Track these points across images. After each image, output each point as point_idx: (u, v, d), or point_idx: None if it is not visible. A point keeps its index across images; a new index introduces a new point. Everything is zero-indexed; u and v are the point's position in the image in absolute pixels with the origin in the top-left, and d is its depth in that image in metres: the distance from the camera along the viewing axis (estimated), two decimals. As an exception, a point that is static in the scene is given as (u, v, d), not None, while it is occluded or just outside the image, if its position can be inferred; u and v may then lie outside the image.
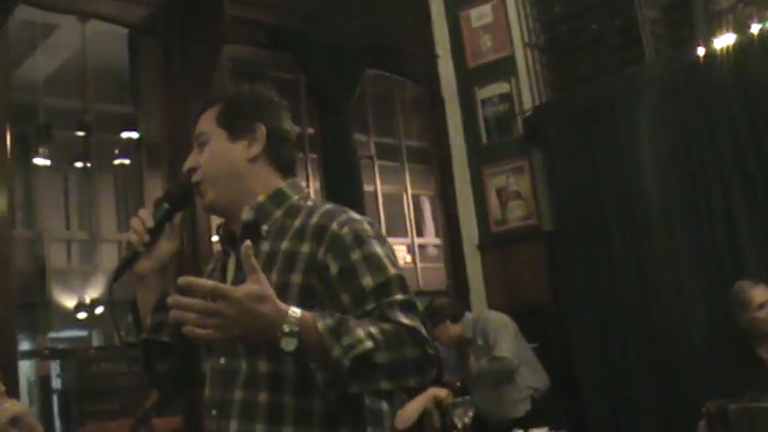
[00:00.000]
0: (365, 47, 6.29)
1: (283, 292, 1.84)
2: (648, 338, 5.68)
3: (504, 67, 6.73)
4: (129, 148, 8.35)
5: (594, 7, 6.41)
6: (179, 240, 2.15)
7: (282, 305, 1.69)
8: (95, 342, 10.62)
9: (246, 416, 1.89)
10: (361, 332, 1.71)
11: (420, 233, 7.14)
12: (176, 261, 2.23)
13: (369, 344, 1.70)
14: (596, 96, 6.08)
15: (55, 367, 9.85)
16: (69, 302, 10.54)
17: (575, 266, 6.07)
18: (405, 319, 1.79)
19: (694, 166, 5.55)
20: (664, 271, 5.63)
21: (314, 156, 6.15)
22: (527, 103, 6.57)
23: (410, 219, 6.92)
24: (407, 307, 1.83)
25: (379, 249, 1.92)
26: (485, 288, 6.67)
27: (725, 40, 5.44)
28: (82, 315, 10.57)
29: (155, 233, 2.07)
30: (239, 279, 1.89)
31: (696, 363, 5.42)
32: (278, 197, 2.06)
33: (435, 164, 7.02)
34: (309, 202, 2.06)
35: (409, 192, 6.95)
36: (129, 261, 2.08)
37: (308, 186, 6.08)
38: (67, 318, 10.51)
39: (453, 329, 5.29)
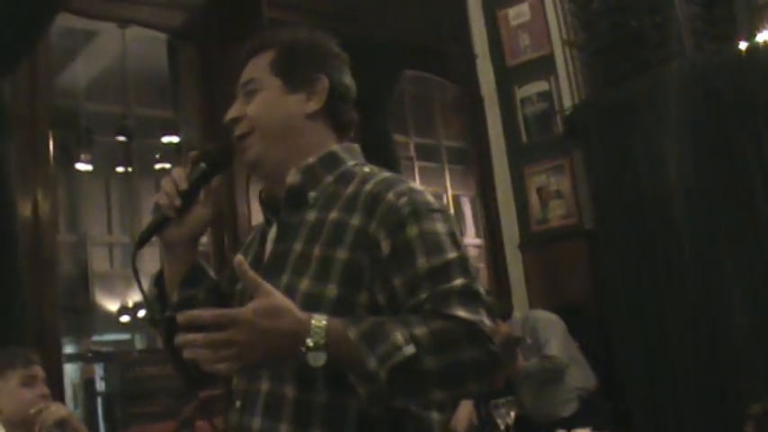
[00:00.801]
0: (403, 48, 6.29)
1: (325, 268, 1.63)
2: (691, 338, 5.63)
3: (543, 66, 6.71)
4: (169, 152, 8.39)
5: (633, 3, 6.37)
6: (215, 207, 1.84)
7: (303, 314, 1.47)
8: (138, 345, 10.68)
9: (271, 412, 1.63)
10: (399, 336, 1.46)
11: (461, 233, 7.13)
12: (212, 231, 1.99)
13: (409, 349, 1.45)
14: (636, 93, 6.04)
15: (99, 370, 9.92)
16: (112, 306, 10.62)
17: (616, 265, 6.03)
18: (462, 312, 1.52)
19: (737, 163, 5.49)
20: (706, 269, 5.58)
21: (353, 157, 6.14)
22: (566, 101, 6.55)
23: (450, 219, 6.91)
24: (467, 295, 1.56)
25: (439, 226, 1.64)
26: (526, 288, 6.65)
27: (767, 34, 5.38)
28: (125, 318, 10.65)
29: (188, 197, 1.77)
30: (275, 255, 1.74)
31: (740, 363, 5.36)
32: (330, 160, 1.79)
33: (475, 164, 7.00)
34: (366, 168, 1.80)
35: (449, 192, 6.93)
36: (156, 227, 1.79)
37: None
38: (110, 321, 10.59)
39: (503, 328, 5.23)
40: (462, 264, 1.61)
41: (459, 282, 1.57)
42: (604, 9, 6.58)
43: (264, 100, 1.79)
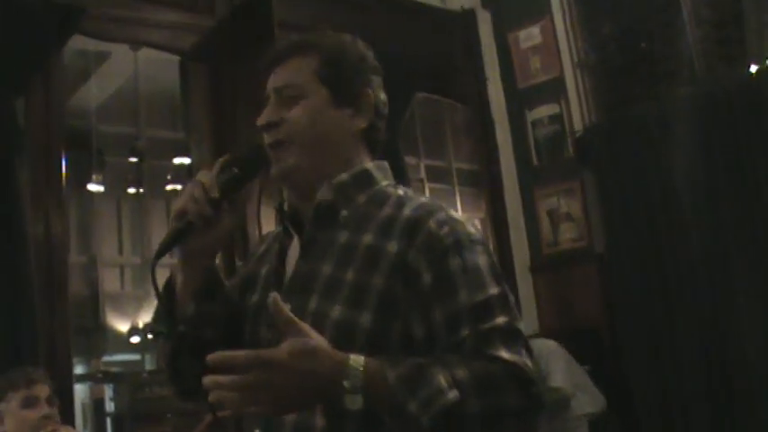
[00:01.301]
0: (414, 70, 6.30)
1: (359, 295, 1.56)
2: (703, 360, 5.60)
3: (554, 88, 6.71)
4: (180, 173, 8.41)
5: (644, 26, 6.37)
6: (240, 216, 1.76)
7: (340, 355, 1.40)
8: (148, 366, 10.69)
9: None
10: (442, 380, 1.39)
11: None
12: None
13: (453, 394, 1.38)
14: (647, 116, 6.04)
15: (108, 391, 9.93)
16: (123, 327, 10.64)
17: (628, 288, 6.01)
18: (505, 354, 1.47)
19: (749, 185, 5.48)
20: (719, 292, 5.56)
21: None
22: (577, 123, 6.54)
23: (461, 241, 6.90)
24: (510, 335, 1.51)
25: (481, 259, 1.58)
26: (537, 310, 6.63)
27: (778, 56, 5.39)
28: (135, 339, 10.67)
29: (219, 205, 1.64)
30: (299, 275, 1.66)
31: (754, 387, 5.33)
32: (363, 179, 1.70)
33: (486, 186, 6.99)
34: (400, 191, 1.71)
35: (460, 214, 6.94)
36: (181, 235, 1.65)
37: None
38: (121, 341, 10.61)
39: None
40: (504, 300, 1.56)
41: (501, 320, 1.52)
42: (615, 32, 6.59)
43: (310, 109, 1.69)
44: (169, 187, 8.91)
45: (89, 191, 9.14)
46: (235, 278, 1.86)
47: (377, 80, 1.78)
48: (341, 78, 1.71)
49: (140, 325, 10.69)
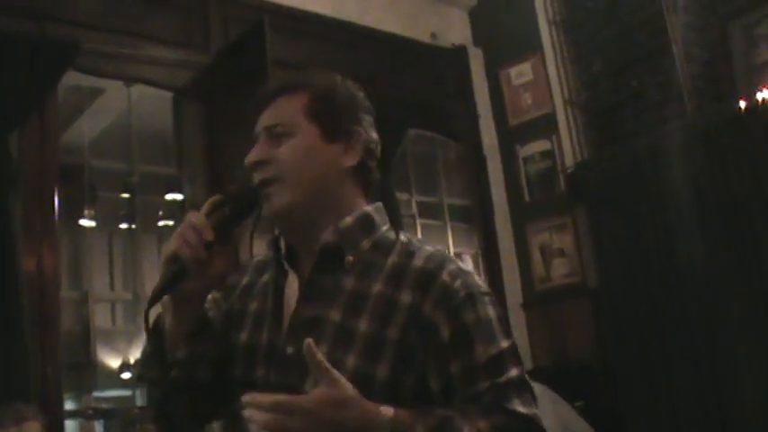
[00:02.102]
0: (406, 107, 6.34)
1: (375, 346, 1.55)
2: (698, 396, 5.59)
3: (546, 125, 6.75)
4: (173, 209, 8.41)
5: (635, 64, 6.42)
6: (233, 257, 1.68)
7: (371, 405, 1.40)
8: (139, 402, 10.63)
9: None
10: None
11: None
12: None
13: None
14: (638, 152, 6.07)
15: (99, 427, 9.86)
16: (114, 362, 10.58)
17: (621, 323, 6.01)
18: (521, 408, 1.52)
19: (741, 221, 5.50)
20: (713, 328, 5.56)
21: (356, 215, 6.15)
22: (569, 160, 6.58)
23: (453, 277, 6.91)
24: (522, 387, 1.56)
25: (491, 311, 1.61)
26: (529, 346, 6.62)
27: (766, 93, 5.42)
28: (126, 375, 10.61)
29: (211, 247, 1.58)
30: (303, 319, 1.63)
31: (749, 423, 5.32)
32: (367, 223, 1.69)
33: (478, 222, 7.01)
34: (403, 238, 1.71)
35: (452, 250, 6.93)
36: (175, 280, 1.57)
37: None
38: (112, 377, 10.54)
39: None
40: (514, 351, 1.60)
41: (514, 373, 1.56)
42: (606, 69, 6.64)
43: (300, 146, 1.67)
44: (161, 223, 8.90)
45: (81, 226, 9.12)
46: (213, 310, 1.79)
47: (368, 119, 1.77)
48: (330, 115, 1.70)
49: (132, 361, 10.64)
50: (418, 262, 1.63)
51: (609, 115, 6.63)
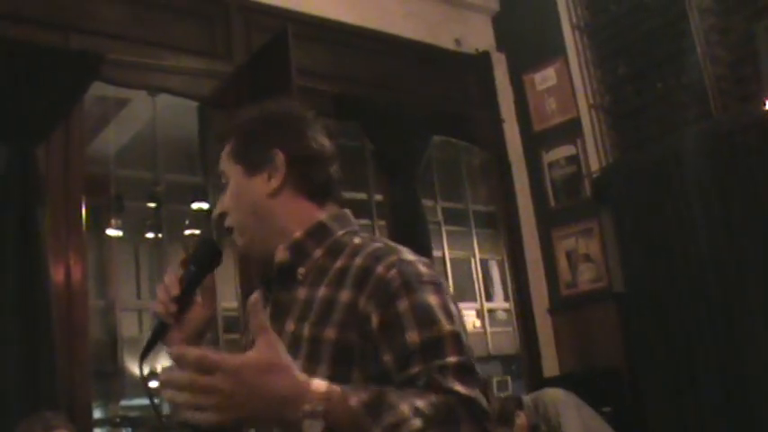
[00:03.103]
0: (431, 113, 6.34)
1: (316, 348, 1.57)
2: (725, 401, 5.55)
3: (570, 130, 6.74)
4: (199, 218, 8.44)
5: (659, 66, 6.39)
6: (213, 304, 1.79)
7: (302, 377, 1.35)
8: (166, 410, 10.70)
9: None
10: (405, 408, 1.37)
11: (489, 298, 7.09)
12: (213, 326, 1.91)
13: (416, 422, 1.36)
14: (664, 155, 6.03)
15: (128, 436, 9.91)
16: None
17: (647, 328, 5.98)
18: (461, 388, 1.45)
19: (766, 224, 5.45)
20: (738, 330, 5.52)
21: (382, 222, 6.16)
22: (594, 164, 6.55)
23: (479, 283, 6.89)
24: (463, 371, 1.49)
25: (432, 298, 1.56)
26: (556, 352, 6.60)
27: (793, 94, 5.39)
28: (153, 383, 10.67)
29: (182, 301, 1.75)
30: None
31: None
32: (319, 232, 1.73)
33: (503, 228, 7.00)
34: (357, 239, 1.72)
35: (477, 256, 6.92)
36: (156, 335, 1.78)
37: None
38: (139, 386, 10.60)
39: (523, 419, 5.02)
40: (456, 338, 1.54)
41: (453, 359, 1.50)
42: (630, 72, 6.61)
43: (232, 190, 1.78)
44: (187, 232, 8.94)
45: (108, 236, 9.17)
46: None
47: (295, 132, 1.80)
48: (247, 150, 1.78)
49: (158, 369, 10.69)
50: (359, 260, 1.63)
51: (633, 118, 6.61)
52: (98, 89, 5.27)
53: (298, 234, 1.72)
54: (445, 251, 6.60)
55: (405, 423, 1.35)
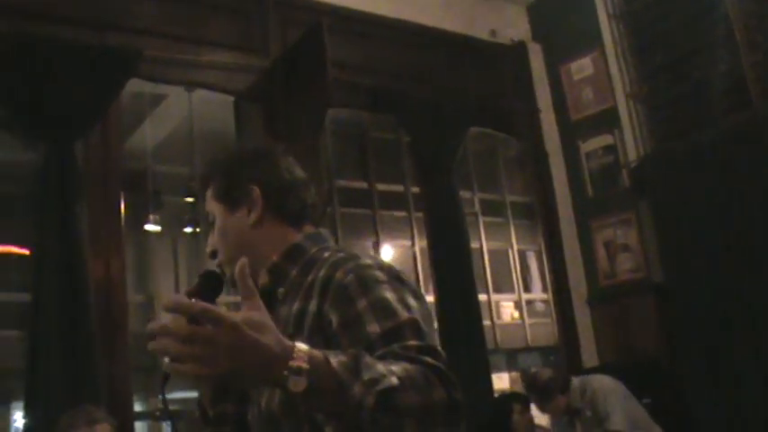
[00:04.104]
0: (467, 105, 6.32)
1: None
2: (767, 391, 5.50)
3: (607, 119, 6.69)
4: (235, 212, 8.53)
5: (696, 55, 6.33)
6: None
7: (287, 339, 1.40)
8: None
9: None
10: (382, 368, 1.40)
11: (527, 289, 7.08)
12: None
13: (393, 380, 1.39)
14: (702, 144, 5.98)
15: (167, 428, 10.00)
16: (180, 364, 10.72)
17: (688, 318, 5.94)
18: (428, 359, 1.49)
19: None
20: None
21: (419, 214, 6.16)
22: (631, 154, 6.51)
23: (516, 274, 6.88)
24: (425, 351, 1.53)
25: (389, 294, 1.63)
26: (595, 343, 6.57)
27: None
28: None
29: None
30: None
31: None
32: (294, 253, 1.86)
33: (541, 219, 6.97)
34: (326, 253, 1.82)
35: (515, 247, 6.91)
36: (168, 377, 1.81)
37: (413, 245, 6.10)
38: (178, 379, 10.68)
39: (563, 401, 5.07)
40: (414, 325, 1.59)
41: (414, 342, 1.54)
42: (667, 61, 6.55)
43: (219, 228, 1.91)
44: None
45: (146, 231, 9.24)
46: None
47: (267, 166, 1.93)
48: (227, 190, 1.91)
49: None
50: (323, 271, 1.73)
51: (671, 107, 6.55)
52: (134, 86, 5.30)
53: (274, 258, 1.86)
54: (483, 242, 6.60)
55: (383, 379, 1.38)
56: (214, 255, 1.92)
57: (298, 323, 1.71)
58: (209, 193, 1.94)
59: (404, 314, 1.59)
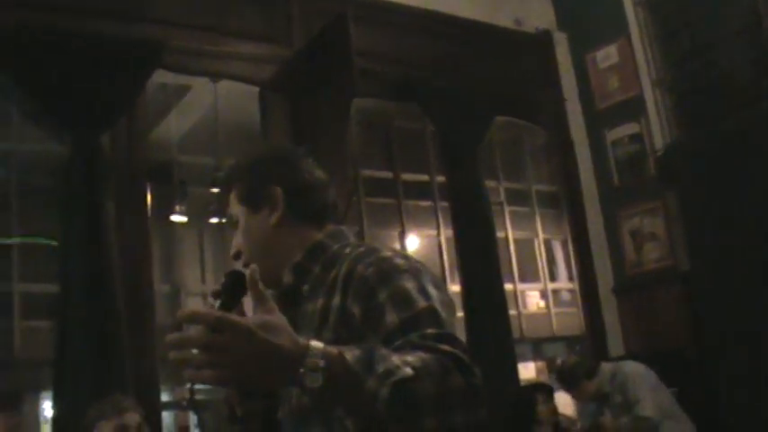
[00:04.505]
0: (492, 94, 6.30)
1: None
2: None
3: (633, 108, 6.65)
4: (261, 202, 8.55)
5: (723, 42, 6.28)
6: None
7: (301, 338, 1.43)
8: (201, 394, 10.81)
9: None
10: (396, 359, 1.43)
11: (553, 278, 7.05)
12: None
13: (408, 370, 1.41)
14: (729, 133, 5.94)
15: (194, 418, 10.05)
16: (207, 355, 10.76)
17: (715, 307, 5.90)
18: (444, 346, 1.51)
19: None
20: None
21: (444, 204, 6.16)
22: (658, 142, 6.47)
23: (542, 264, 6.86)
24: (443, 339, 1.55)
25: (408, 283, 1.67)
26: (622, 332, 6.54)
27: None
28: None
29: None
30: None
31: None
32: (316, 251, 1.90)
33: (567, 208, 6.95)
34: (347, 249, 1.86)
35: (540, 237, 6.89)
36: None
37: (439, 235, 6.10)
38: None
39: (591, 386, 5.09)
40: (432, 313, 1.63)
41: (431, 330, 1.57)
42: (694, 48, 6.51)
43: (241, 230, 1.95)
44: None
45: (172, 221, 9.28)
46: None
47: (287, 168, 1.98)
48: (250, 191, 1.96)
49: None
50: (344, 267, 1.77)
51: (698, 95, 6.50)
52: (160, 77, 5.32)
53: (297, 256, 1.90)
54: (508, 232, 6.59)
55: (397, 370, 1.40)
56: (238, 256, 1.96)
57: (323, 319, 1.75)
58: (232, 196, 1.99)
59: (422, 302, 1.63)
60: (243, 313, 1.82)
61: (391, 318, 1.61)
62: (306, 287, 1.86)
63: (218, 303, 1.84)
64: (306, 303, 1.84)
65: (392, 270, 1.70)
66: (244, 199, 1.96)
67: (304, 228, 1.94)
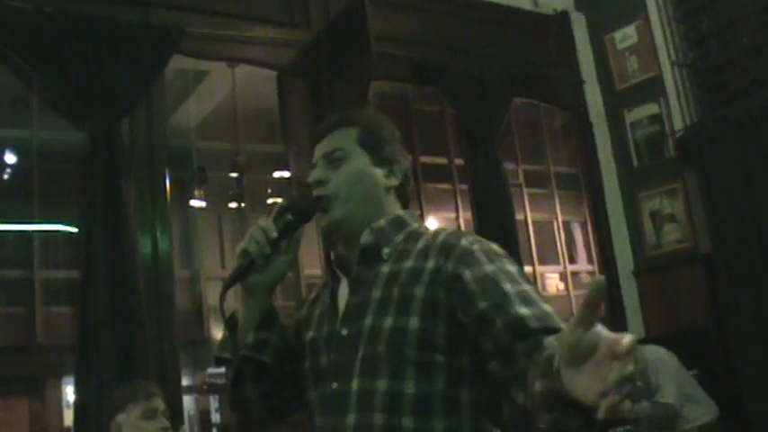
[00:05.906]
0: (510, 76, 6.28)
1: (405, 304, 1.80)
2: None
3: (653, 88, 6.61)
4: (280, 187, 8.49)
5: (744, 19, 6.24)
6: (295, 256, 2.01)
7: None
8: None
9: None
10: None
11: (572, 260, 7.02)
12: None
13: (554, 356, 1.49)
14: (750, 112, 5.90)
15: (214, 402, 10.08)
16: (227, 339, 10.78)
17: (735, 288, 5.87)
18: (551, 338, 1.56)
19: None
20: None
21: (463, 186, 6.14)
22: (678, 123, 6.43)
23: (561, 246, 6.82)
24: (552, 319, 1.67)
25: (511, 267, 1.81)
26: (642, 314, 6.53)
27: None
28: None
29: (275, 245, 1.91)
30: (352, 305, 1.91)
31: None
32: (398, 223, 2.01)
33: (586, 190, 6.92)
34: (429, 230, 2.02)
35: (560, 219, 6.84)
36: (244, 271, 1.91)
37: (458, 218, 6.09)
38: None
39: None
40: (538, 295, 1.76)
41: (546, 306, 1.70)
42: (714, 27, 6.46)
43: (353, 169, 2.00)
44: (270, 201, 9.00)
45: (191, 206, 9.29)
46: (291, 322, 2.15)
47: (404, 153, 2.12)
48: (378, 144, 2.05)
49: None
50: (440, 238, 1.89)
51: (719, 75, 6.47)
52: (177, 62, 5.32)
53: (382, 221, 1.98)
54: (527, 214, 6.54)
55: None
56: (321, 183, 1.98)
57: (413, 276, 1.83)
58: (348, 135, 2.04)
59: (528, 284, 1.78)
60: (297, 245, 1.97)
61: (507, 287, 1.73)
62: (387, 250, 1.94)
63: (287, 218, 1.93)
64: (382, 265, 1.92)
65: (496, 251, 1.86)
66: (369, 147, 2.03)
67: (396, 202, 2.05)
